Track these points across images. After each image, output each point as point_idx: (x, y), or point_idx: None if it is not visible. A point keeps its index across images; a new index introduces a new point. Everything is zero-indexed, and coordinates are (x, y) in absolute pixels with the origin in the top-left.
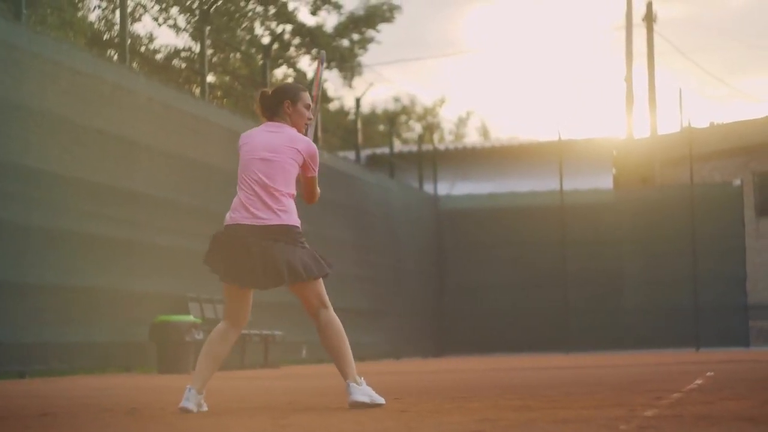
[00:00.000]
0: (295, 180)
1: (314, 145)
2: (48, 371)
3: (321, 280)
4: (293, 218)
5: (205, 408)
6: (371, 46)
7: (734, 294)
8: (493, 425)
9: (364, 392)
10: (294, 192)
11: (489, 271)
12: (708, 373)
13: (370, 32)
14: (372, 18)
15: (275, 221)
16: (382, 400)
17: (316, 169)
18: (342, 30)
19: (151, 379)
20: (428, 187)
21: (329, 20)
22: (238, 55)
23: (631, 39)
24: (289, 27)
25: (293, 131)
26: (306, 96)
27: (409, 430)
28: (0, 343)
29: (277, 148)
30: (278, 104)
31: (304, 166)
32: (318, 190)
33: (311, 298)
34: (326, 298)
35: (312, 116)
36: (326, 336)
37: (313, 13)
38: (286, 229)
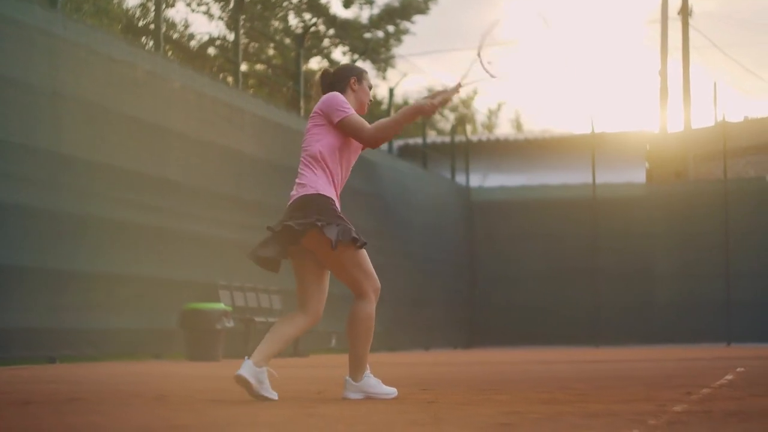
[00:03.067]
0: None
1: (331, 95)
2: (78, 357)
3: (360, 268)
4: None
5: (272, 393)
6: (405, 38)
7: (767, 289)
8: (522, 418)
9: (357, 389)
10: (322, 163)
11: (520, 263)
12: (738, 369)
13: (405, 24)
14: (407, 10)
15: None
16: (391, 393)
17: (342, 112)
18: (377, 22)
19: (180, 366)
20: (460, 179)
21: (363, 12)
22: (272, 44)
23: (666, 32)
24: (322, 18)
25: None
26: (369, 77)
27: (437, 422)
28: (30, 328)
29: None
30: (344, 80)
31: (329, 122)
32: (369, 128)
33: (347, 282)
34: (363, 287)
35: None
36: (349, 326)
37: (346, 6)
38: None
